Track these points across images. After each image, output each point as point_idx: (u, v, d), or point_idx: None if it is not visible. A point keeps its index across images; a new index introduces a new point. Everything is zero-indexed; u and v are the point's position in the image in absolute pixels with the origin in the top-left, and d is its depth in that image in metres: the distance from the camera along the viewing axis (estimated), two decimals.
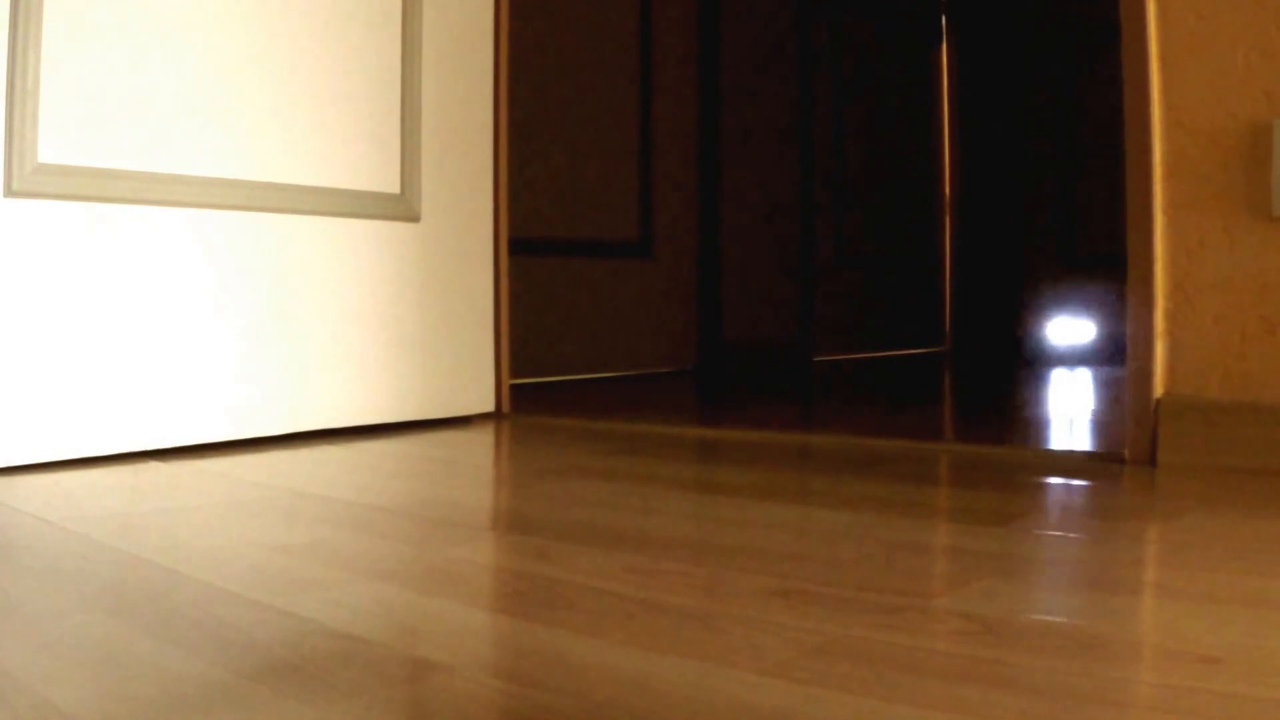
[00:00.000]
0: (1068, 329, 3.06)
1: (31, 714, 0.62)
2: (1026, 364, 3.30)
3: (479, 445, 1.75)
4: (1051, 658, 0.71)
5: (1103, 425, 1.88)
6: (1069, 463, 1.47)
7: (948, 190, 4.14)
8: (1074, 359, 3.32)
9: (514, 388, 2.37)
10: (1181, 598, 0.84)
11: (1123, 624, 0.79)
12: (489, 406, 2.08)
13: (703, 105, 3.33)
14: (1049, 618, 0.79)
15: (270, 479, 1.41)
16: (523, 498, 1.30)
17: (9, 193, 1.43)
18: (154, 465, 1.50)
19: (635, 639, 0.75)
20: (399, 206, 1.91)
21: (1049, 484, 1.33)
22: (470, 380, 2.04)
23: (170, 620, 0.80)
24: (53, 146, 1.46)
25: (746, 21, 3.43)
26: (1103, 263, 3.74)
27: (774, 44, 3.52)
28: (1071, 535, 1.05)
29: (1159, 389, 1.37)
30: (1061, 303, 3.82)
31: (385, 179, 1.89)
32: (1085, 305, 3.65)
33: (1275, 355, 1.32)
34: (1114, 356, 3.48)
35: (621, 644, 0.74)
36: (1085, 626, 0.77)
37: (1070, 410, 2.11)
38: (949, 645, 0.74)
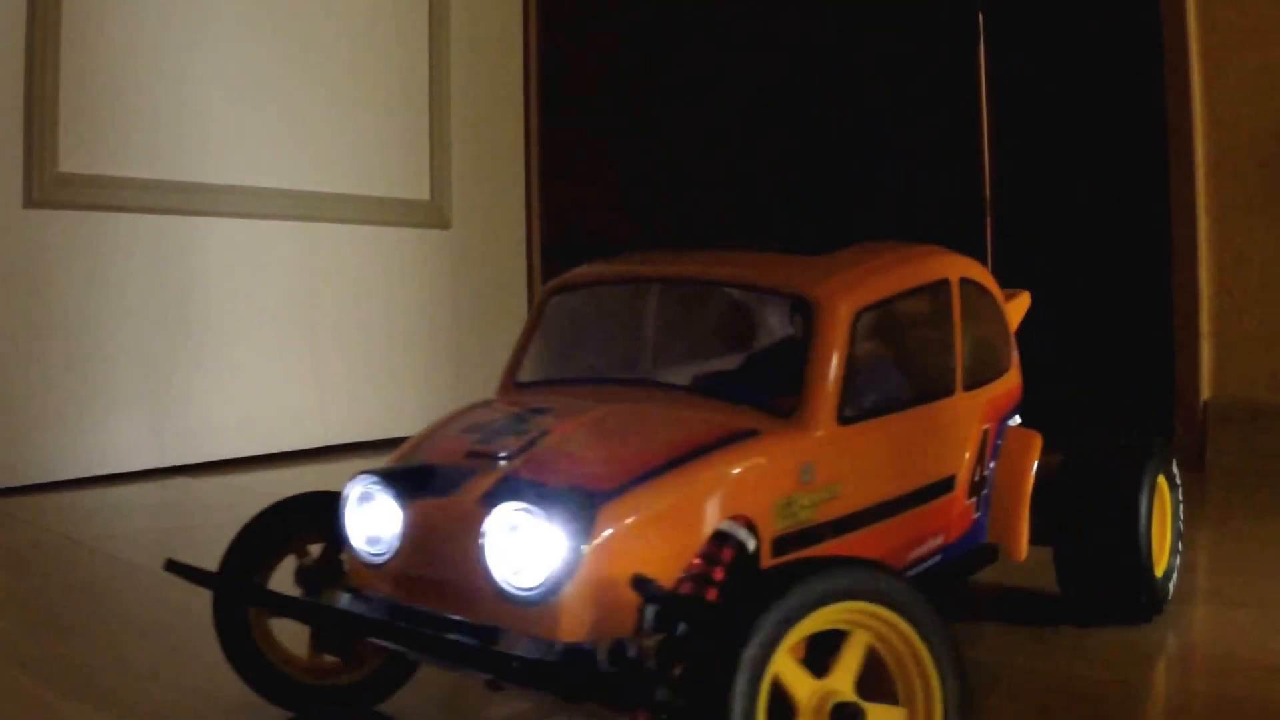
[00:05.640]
0: None
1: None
2: None
3: None
4: (1106, 668, 0.69)
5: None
6: None
7: (988, 190, 4.08)
8: None
9: None
10: (1238, 605, 0.83)
11: (1178, 632, 0.77)
12: None
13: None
14: (1103, 627, 0.77)
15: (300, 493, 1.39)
16: None
17: (29, 203, 1.42)
18: (180, 481, 1.48)
19: None
20: (429, 213, 1.90)
21: None
22: None
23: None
24: (73, 155, 1.45)
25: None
26: None
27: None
28: None
29: (1206, 391, 1.35)
30: None
31: (414, 185, 1.88)
32: None
33: None
34: None
35: None
36: (1141, 635, 0.75)
37: None
38: (1000, 659, 0.72)
